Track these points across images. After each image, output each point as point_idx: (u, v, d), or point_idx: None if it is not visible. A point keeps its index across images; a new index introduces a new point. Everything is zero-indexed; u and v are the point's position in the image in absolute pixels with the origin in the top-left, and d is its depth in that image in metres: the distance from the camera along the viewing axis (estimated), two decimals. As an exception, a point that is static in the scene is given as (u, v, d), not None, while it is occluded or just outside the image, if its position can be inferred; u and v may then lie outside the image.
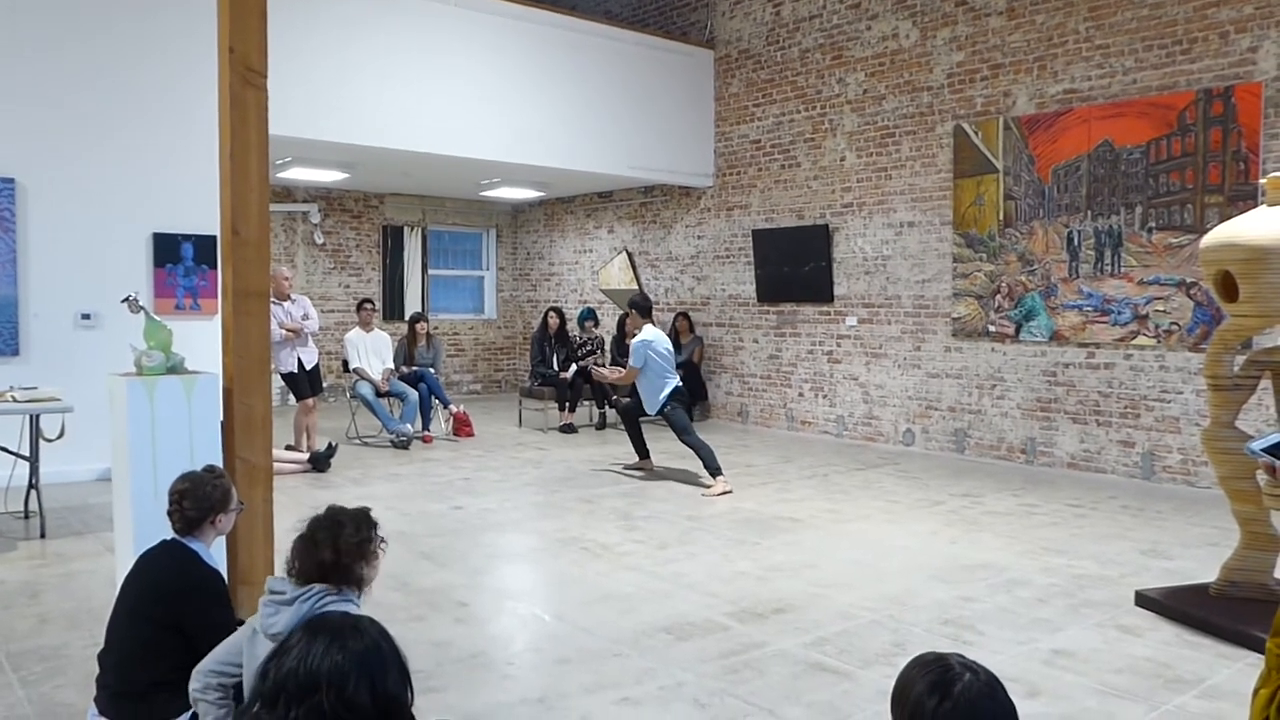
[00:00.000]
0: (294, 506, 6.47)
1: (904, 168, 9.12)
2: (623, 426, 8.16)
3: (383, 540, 2.52)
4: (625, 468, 7.94)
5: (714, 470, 7.08)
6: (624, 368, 10.55)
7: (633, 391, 7.60)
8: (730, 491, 6.99)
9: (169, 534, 2.88)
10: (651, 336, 7.36)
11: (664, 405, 7.30)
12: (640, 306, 7.51)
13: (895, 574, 5.03)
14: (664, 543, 5.64)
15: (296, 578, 2.40)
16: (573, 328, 11.34)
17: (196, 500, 2.84)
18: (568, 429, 10.14)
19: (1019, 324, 8.25)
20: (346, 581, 2.40)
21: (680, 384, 7.45)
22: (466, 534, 5.84)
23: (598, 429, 10.42)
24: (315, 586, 2.34)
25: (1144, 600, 4.49)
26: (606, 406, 10.43)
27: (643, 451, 7.85)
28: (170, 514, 2.85)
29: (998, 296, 8.39)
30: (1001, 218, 8.34)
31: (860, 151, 9.51)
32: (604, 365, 10.65)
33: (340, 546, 2.40)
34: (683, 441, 7.27)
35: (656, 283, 11.98)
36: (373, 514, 2.53)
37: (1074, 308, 7.90)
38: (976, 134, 8.49)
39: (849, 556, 5.37)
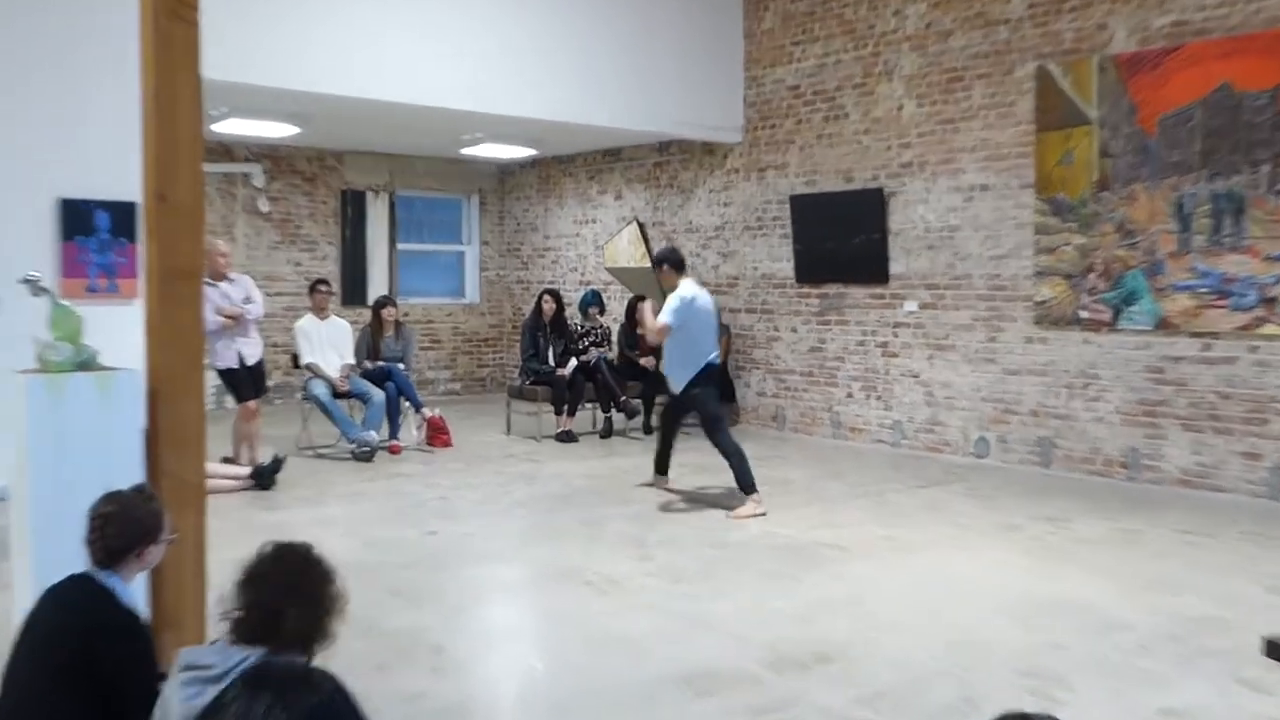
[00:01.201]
0: (233, 533, 6.46)
1: (975, 119, 9.06)
2: (657, 427, 8.03)
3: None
4: (644, 484, 7.89)
5: (747, 486, 7.05)
6: (637, 359, 10.60)
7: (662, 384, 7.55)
8: (764, 514, 6.97)
9: (80, 566, 2.86)
10: (692, 293, 7.29)
11: (694, 382, 7.18)
12: (673, 260, 7.44)
13: (964, 614, 5.00)
14: (683, 575, 5.62)
15: (262, 644, 2.28)
16: (572, 315, 11.32)
17: (124, 527, 2.83)
18: (566, 437, 10.13)
19: (1117, 309, 8.20)
20: (324, 641, 2.34)
21: (718, 360, 7.40)
22: (443, 565, 5.83)
23: (602, 437, 10.41)
24: (252, 652, 2.25)
25: (1274, 649, 4.44)
26: (613, 409, 10.41)
27: (663, 463, 7.82)
28: (90, 542, 2.84)
29: (1091, 275, 8.34)
30: (1095, 179, 8.28)
31: (922, 99, 9.45)
32: (611, 358, 10.64)
33: (329, 590, 2.36)
34: (711, 440, 7.19)
35: (673, 259, 11.93)
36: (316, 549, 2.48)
37: (1185, 289, 7.84)
38: (1064, 77, 8.42)
39: (908, 593, 5.34)
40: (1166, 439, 7.99)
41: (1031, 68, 8.66)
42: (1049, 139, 8.56)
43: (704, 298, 7.40)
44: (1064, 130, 8.46)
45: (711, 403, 7.24)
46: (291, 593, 2.34)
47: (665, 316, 7.21)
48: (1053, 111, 8.52)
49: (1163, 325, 7.97)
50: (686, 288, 7.31)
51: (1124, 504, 7.45)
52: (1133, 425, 8.18)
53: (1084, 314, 8.41)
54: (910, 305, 9.63)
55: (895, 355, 9.79)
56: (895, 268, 9.74)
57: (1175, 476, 7.95)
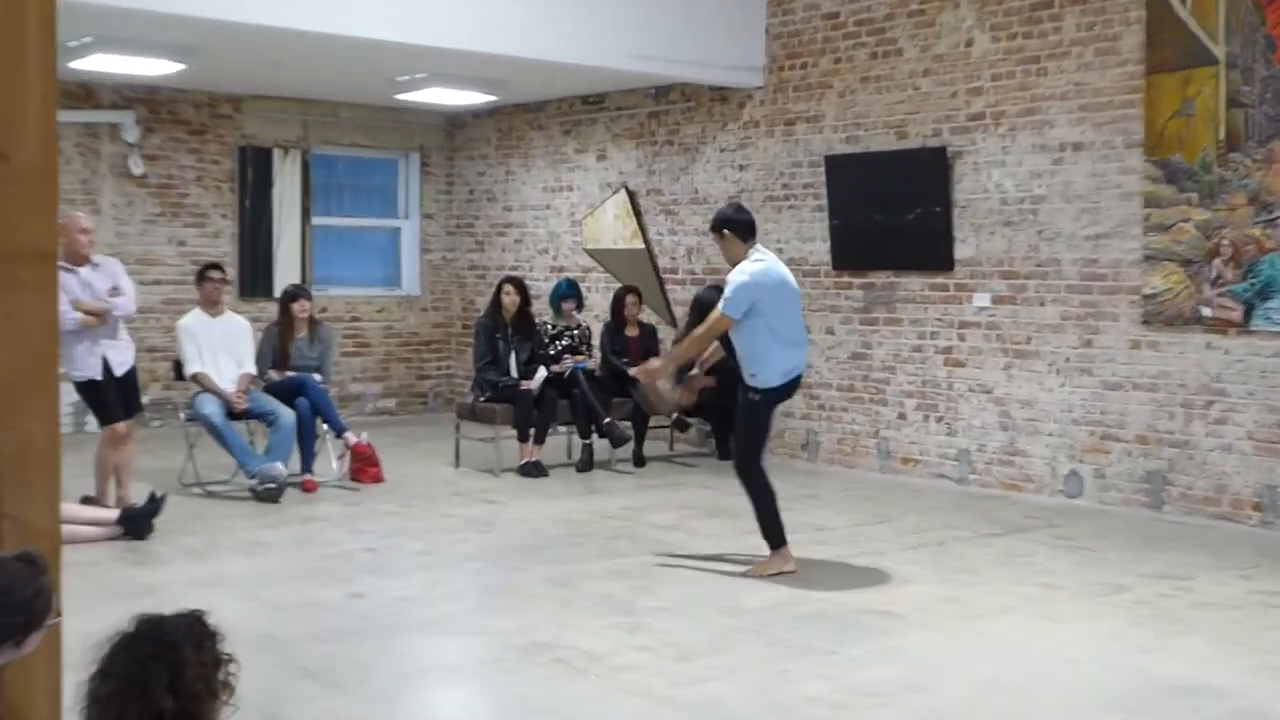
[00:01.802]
0: (96, 597, 6.43)
1: (1067, 57, 9.08)
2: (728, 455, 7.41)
3: (232, 661, 2.53)
4: (753, 571, 7.09)
5: (773, 536, 7.03)
6: (625, 369, 10.56)
7: (724, 379, 7.40)
8: (793, 571, 6.96)
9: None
10: (763, 264, 6.98)
11: (781, 391, 7.02)
12: (737, 223, 7.09)
13: (1053, 701, 4.99)
14: (687, 651, 5.61)
15: None
16: (542, 310, 11.30)
17: (7, 610, 2.86)
18: (533, 470, 10.11)
19: (1250, 305, 8.22)
20: None
21: (801, 366, 7.14)
22: (372, 638, 5.81)
23: (580, 470, 10.39)
24: None
25: None
26: (595, 434, 10.40)
27: (775, 529, 7.04)
28: None
29: (1216, 261, 8.36)
30: (1223, 136, 8.31)
31: (998, 31, 9.47)
32: (592, 368, 10.61)
33: (184, 686, 2.40)
34: (736, 465, 7.12)
35: (674, 239, 11.94)
36: (209, 619, 2.53)
37: (1338, 279, 7.88)
38: (1184, 2, 8.45)
39: (978, 674, 5.34)
40: (1315, 474, 8.03)
41: (1139, -10, 8.69)
42: (1162, 84, 8.58)
43: (781, 269, 7.14)
44: (1182, 72, 8.48)
45: (759, 416, 7.05)
46: (153, 682, 2.36)
47: (722, 304, 6.90)
48: (1167, 48, 8.54)
49: (1310, 326, 8.00)
50: (757, 259, 7.00)
51: (1259, 557, 7.45)
52: (1270, 455, 8.19)
53: (1207, 311, 8.43)
54: (982, 299, 9.64)
55: (962, 364, 9.79)
56: (962, 250, 9.75)
57: (1326, 522, 7.98)
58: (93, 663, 2.46)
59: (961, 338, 9.78)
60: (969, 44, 9.65)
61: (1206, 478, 8.47)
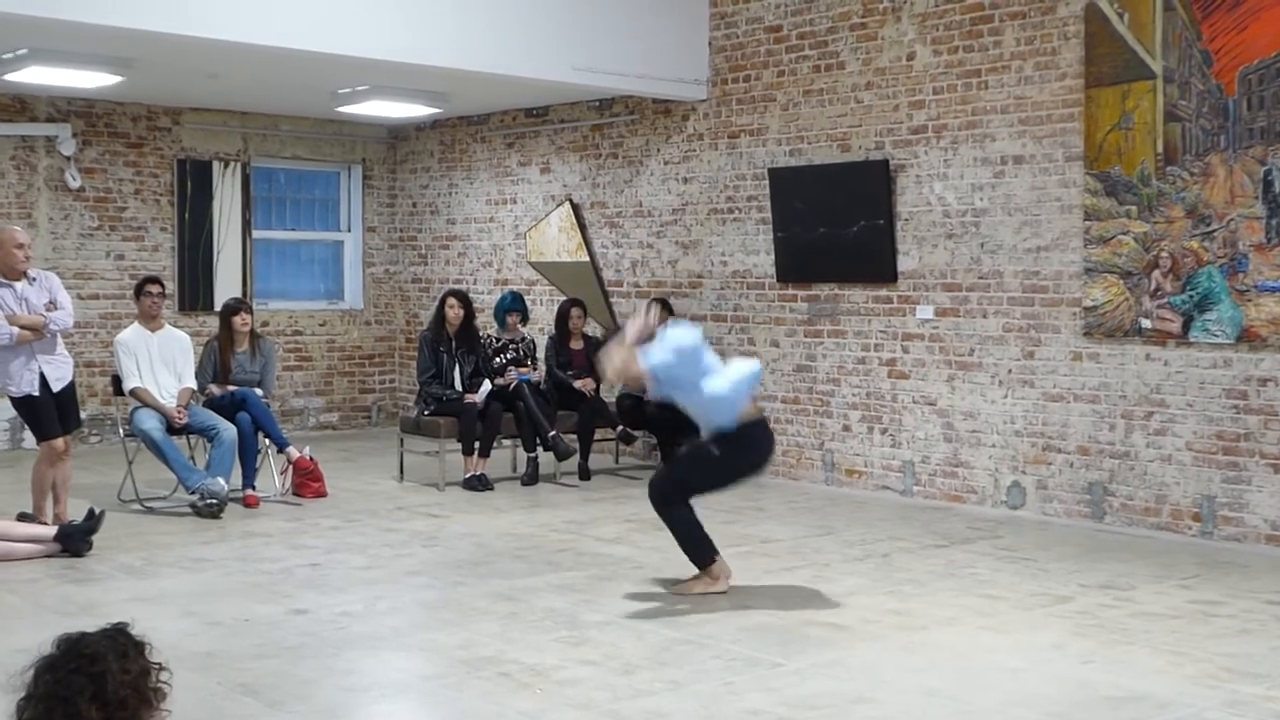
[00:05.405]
0: (31, 615, 6.36)
1: (1007, 70, 9.17)
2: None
3: (162, 669, 2.53)
4: (678, 588, 7.01)
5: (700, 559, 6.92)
6: (570, 381, 10.56)
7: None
8: (723, 592, 6.84)
9: None
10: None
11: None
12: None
13: (996, 711, 5.02)
14: (631, 664, 5.61)
15: None
16: (486, 323, 11.27)
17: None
18: (477, 484, 10.10)
19: (1188, 316, 8.31)
20: None
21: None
22: (314, 654, 5.78)
23: (526, 484, 10.37)
24: None
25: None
26: (540, 448, 10.39)
27: (702, 545, 6.90)
28: None
29: (1155, 273, 8.45)
30: (1160, 149, 8.40)
31: (939, 44, 9.55)
32: (537, 380, 10.61)
33: (110, 695, 2.40)
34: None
35: (618, 252, 11.95)
36: (133, 629, 2.54)
37: (1275, 290, 7.97)
38: (1121, 17, 8.55)
39: (923, 684, 5.37)
40: (1251, 484, 8.10)
41: (1079, 6, 8.77)
42: (1101, 97, 8.67)
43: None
44: (1120, 86, 8.57)
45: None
46: (77, 696, 2.36)
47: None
48: (1106, 62, 8.63)
49: (1246, 337, 8.08)
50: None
51: (1199, 566, 7.53)
52: (1208, 466, 8.28)
53: (1146, 323, 8.52)
54: (924, 311, 9.70)
55: (905, 376, 9.86)
56: (905, 263, 9.82)
57: (1264, 531, 8.05)
58: (19, 689, 2.45)
59: (905, 350, 9.84)
60: (910, 57, 9.72)
61: (1147, 488, 8.56)
